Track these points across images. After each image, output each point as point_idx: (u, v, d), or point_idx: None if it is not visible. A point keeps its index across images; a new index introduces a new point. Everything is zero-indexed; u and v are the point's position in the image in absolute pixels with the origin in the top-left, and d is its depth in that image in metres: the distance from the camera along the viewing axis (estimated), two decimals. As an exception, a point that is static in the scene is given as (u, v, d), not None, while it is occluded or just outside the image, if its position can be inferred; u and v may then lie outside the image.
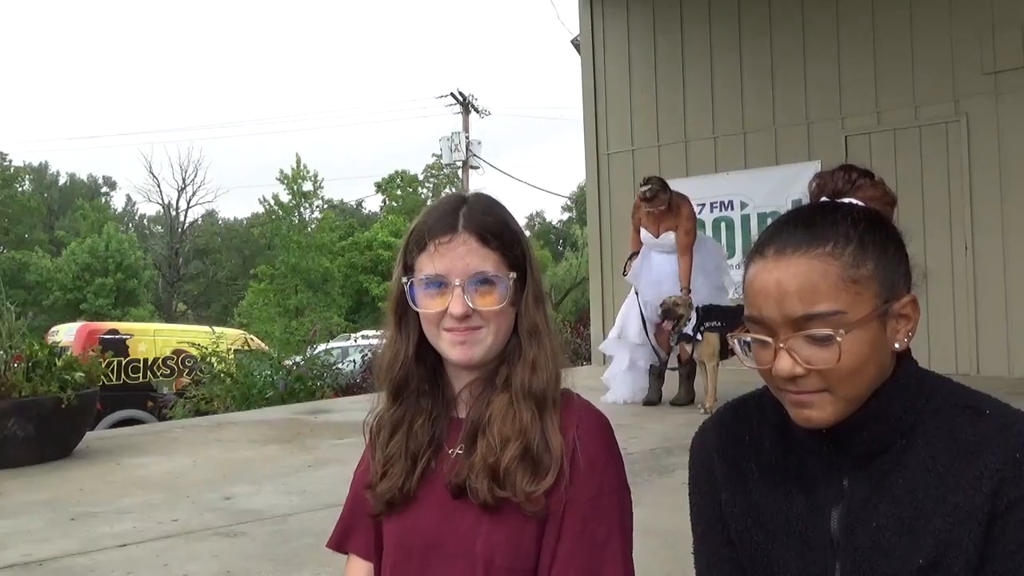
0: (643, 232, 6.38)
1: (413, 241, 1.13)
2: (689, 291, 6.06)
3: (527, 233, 1.21)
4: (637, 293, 6.41)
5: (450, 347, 1.12)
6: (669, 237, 6.23)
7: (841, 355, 0.92)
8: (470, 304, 1.09)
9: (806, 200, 1.08)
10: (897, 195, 1.07)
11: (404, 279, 1.13)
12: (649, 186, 6.15)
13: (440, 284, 1.10)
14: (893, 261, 0.97)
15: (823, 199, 1.05)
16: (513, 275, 1.11)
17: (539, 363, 1.11)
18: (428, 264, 1.11)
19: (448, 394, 1.18)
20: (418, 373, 1.17)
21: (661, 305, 5.93)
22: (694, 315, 5.88)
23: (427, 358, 1.18)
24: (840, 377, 0.94)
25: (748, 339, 1.00)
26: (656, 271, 6.30)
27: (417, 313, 1.14)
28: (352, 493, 1.26)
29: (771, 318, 0.96)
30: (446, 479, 1.12)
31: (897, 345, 0.98)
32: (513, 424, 1.09)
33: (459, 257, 1.09)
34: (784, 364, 0.95)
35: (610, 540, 1.08)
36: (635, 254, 6.47)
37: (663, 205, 6.15)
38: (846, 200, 1.02)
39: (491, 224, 1.12)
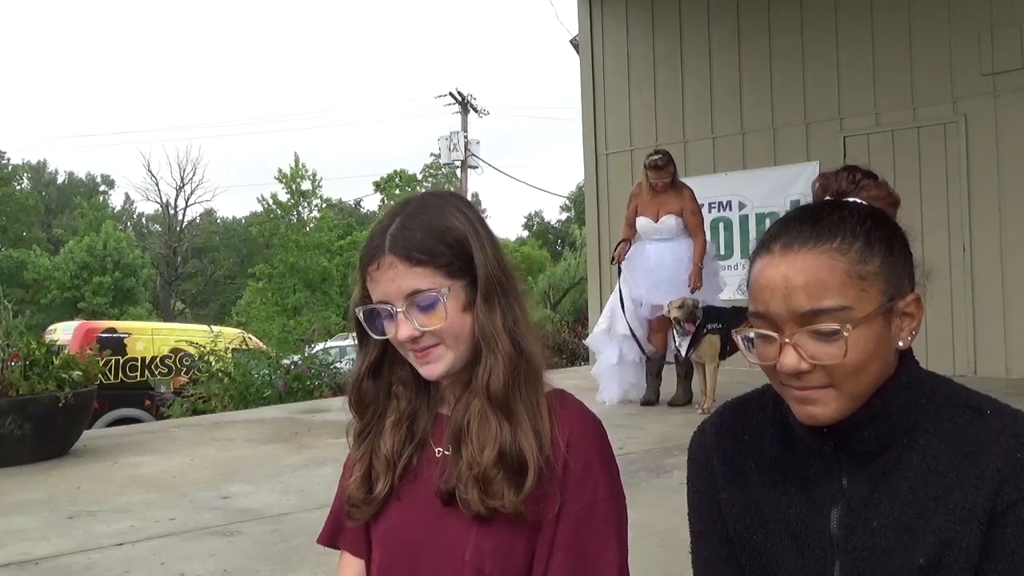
0: (640, 220, 6.22)
1: (359, 268, 1.13)
2: (700, 268, 5.96)
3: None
4: (621, 286, 6.23)
5: (417, 365, 1.12)
6: (668, 222, 6.10)
7: (847, 351, 0.93)
8: (416, 326, 1.07)
9: (805, 201, 1.08)
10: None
11: (357, 309, 1.12)
12: (659, 155, 6.07)
13: (388, 312, 1.09)
14: (898, 259, 0.98)
15: (827, 198, 1.05)
16: (447, 287, 1.07)
17: (492, 367, 1.09)
18: (373, 291, 1.10)
19: (435, 390, 1.18)
20: (385, 380, 1.17)
21: (681, 307, 5.72)
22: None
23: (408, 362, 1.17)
24: (845, 373, 0.94)
25: (752, 335, 1.00)
26: (653, 261, 6.16)
27: None
28: (341, 489, 1.25)
29: (777, 313, 0.96)
30: (435, 483, 1.10)
31: (901, 343, 0.98)
32: (489, 430, 1.08)
33: (390, 281, 1.07)
34: (790, 360, 0.95)
35: (605, 549, 1.07)
36: (624, 241, 6.31)
37: (668, 178, 6.08)
38: (851, 199, 1.03)
39: (418, 240, 1.07)
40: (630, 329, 6.13)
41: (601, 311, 9.22)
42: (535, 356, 1.12)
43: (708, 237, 8.34)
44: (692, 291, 5.96)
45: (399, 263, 1.06)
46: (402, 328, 1.07)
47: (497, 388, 1.08)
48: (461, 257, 1.09)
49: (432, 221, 1.09)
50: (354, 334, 1.19)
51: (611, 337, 6.27)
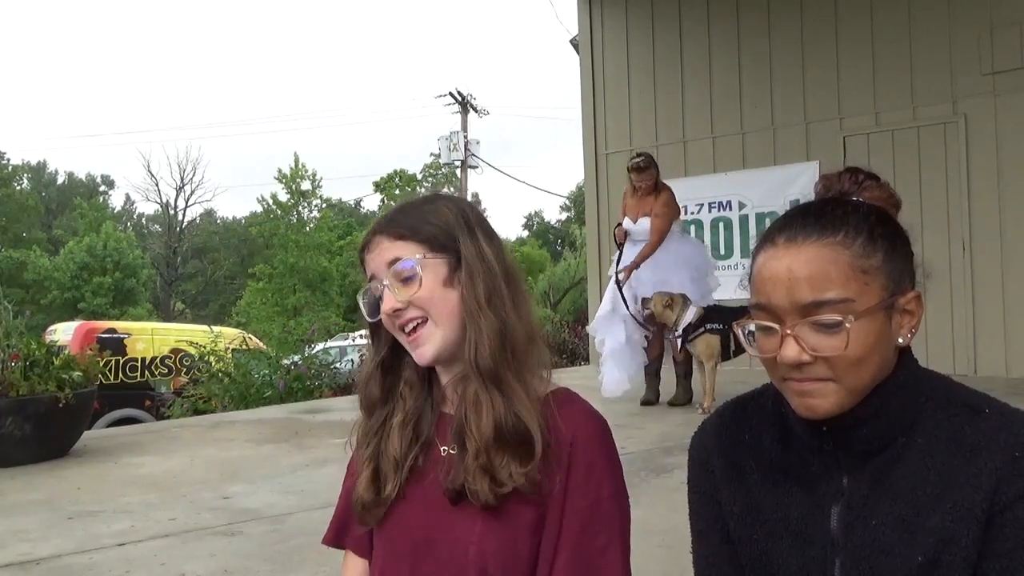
0: (624, 222, 6.33)
1: (359, 262, 1.19)
2: (635, 267, 6.06)
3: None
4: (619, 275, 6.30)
5: (411, 352, 1.14)
6: (645, 224, 6.18)
7: (848, 343, 0.93)
8: (398, 296, 1.11)
9: (805, 200, 1.09)
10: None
11: (358, 295, 1.18)
12: (641, 157, 6.22)
13: (379, 294, 1.13)
14: (900, 256, 0.99)
15: (830, 196, 1.06)
16: (422, 255, 1.11)
17: (476, 341, 1.10)
18: (367, 276, 1.16)
19: (438, 391, 1.19)
20: (394, 380, 1.19)
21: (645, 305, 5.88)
22: (690, 313, 5.76)
23: (412, 361, 1.18)
24: (846, 365, 0.95)
25: (752, 327, 1.00)
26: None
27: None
28: (345, 489, 1.25)
29: (779, 305, 0.96)
30: (442, 482, 1.10)
31: (900, 340, 0.99)
32: (483, 408, 1.09)
33: (377, 256, 1.13)
34: (791, 351, 0.95)
35: (609, 548, 1.07)
36: (619, 225, 6.40)
37: (651, 180, 6.18)
38: (853, 198, 1.03)
39: (402, 219, 1.14)
40: (628, 309, 6.15)
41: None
42: (520, 339, 1.12)
43: (707, 239, 8.37)
44: (620, 285, 6.10)
45: (385, 240, 1.14)
46: (386, 300, 1.12)
47: (484, 359, 1.09)
48: (444, 235, 1.13)
49: (419, 207, 1.17)
50: (360, 333, 1.21)
51: (616, 316, 6.27)
